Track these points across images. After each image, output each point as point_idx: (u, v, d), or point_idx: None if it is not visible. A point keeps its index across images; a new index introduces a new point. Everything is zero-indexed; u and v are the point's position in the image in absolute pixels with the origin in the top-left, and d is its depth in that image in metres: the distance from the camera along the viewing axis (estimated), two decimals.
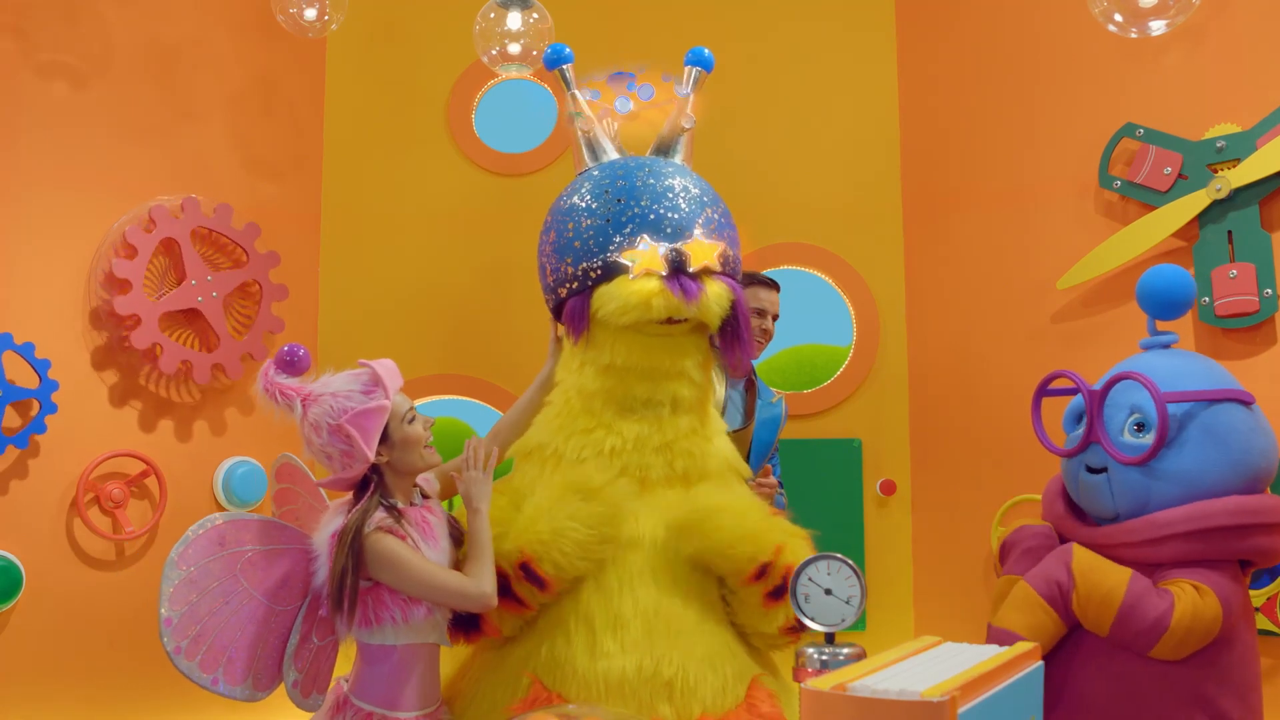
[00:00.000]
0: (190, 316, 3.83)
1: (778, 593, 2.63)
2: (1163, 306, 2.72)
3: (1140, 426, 2.60)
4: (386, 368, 2.50)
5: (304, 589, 2.49)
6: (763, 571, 2.61)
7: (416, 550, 2.41)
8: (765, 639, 2.77)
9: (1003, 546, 2.90)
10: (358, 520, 2.38)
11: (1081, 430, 2.70)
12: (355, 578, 2.35)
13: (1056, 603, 2.50)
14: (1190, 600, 2.42)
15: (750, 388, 3.53)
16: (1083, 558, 2.52)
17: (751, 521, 2.64)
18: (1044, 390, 2.85)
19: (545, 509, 2.57)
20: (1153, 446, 2.53)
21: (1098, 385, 2.67)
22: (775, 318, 3.51)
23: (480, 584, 2.40)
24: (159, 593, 2.29)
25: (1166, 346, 2.74)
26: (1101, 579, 2.47)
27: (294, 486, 2.71)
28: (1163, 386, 2.54)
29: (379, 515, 2.41)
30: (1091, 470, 2.68)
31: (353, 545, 2.35)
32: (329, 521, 2.46)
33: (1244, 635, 2.55)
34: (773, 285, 3.56)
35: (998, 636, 2.52)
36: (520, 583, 2.53)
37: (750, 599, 2.67)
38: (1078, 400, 2.78)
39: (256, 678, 2.38)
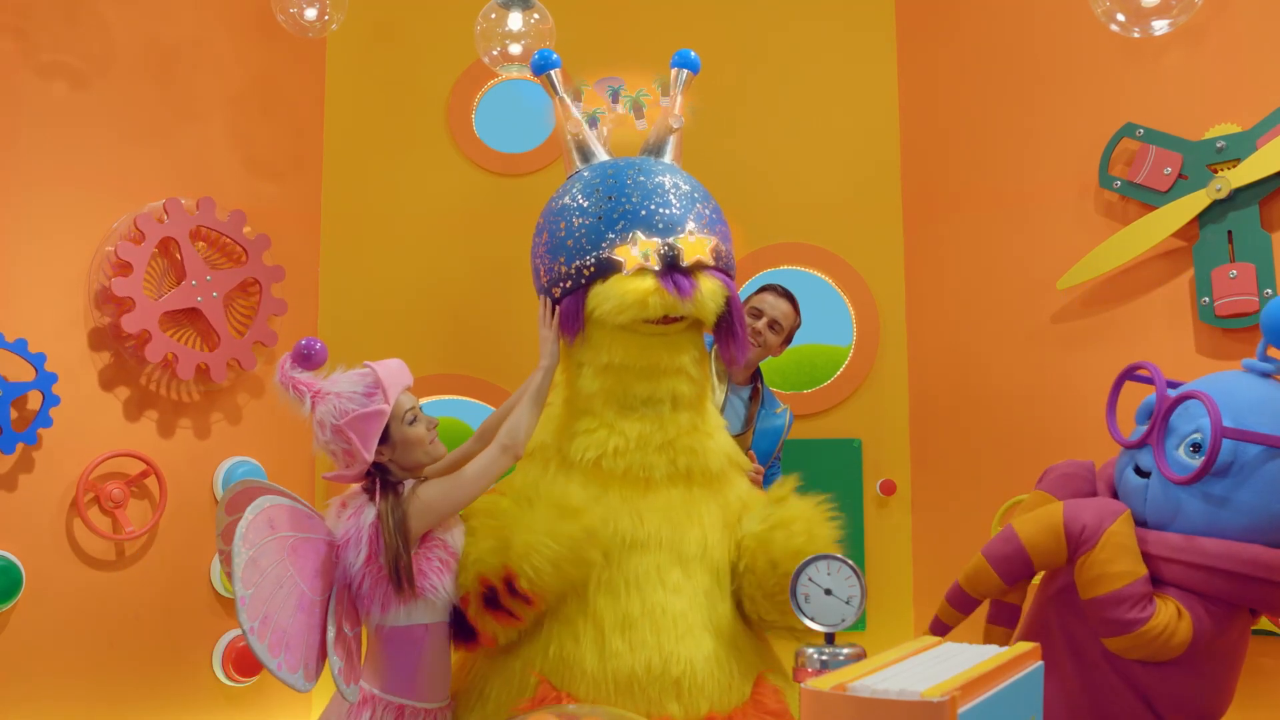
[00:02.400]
0: (191, 316, 3.82)
1: None
2: None
3: (1196, 448, 2.56)
4: (390, 369, 2.55)
5: (332, 579, 2.51)
6: None
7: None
8: (773, 628, 2.77)
9: (1044, 473, 2.94)
10: (390, 506, 2.47)
11: (1145, 428, 2.67)
12: (409, 555, 2.46)
13: (1071, 542, 2.54)
14: (1166, 619, 2.45)
15: (755, 395, 3.52)
16: (1119, 529, 2.52)
17: (818, 529, 2.69)
18: (1128, 375, 2.80)
19: (525, 523, 2.58)
20: (1195, 473, 2.49)
21: (1174, 391, 2.64)
22: (774, 323, 3.50)
23: (504, 438, 2.62)
24: (231, 574, 2.25)
25: (1265, 375, 2.64)
26: (1116, 558, 2.48)
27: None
28: (1235, 417, 2.48)
29: (411, 481, 2.55)
30: (1139, 472, 2.67)
31: (399, 528, 2.45)
32: (354, 510, 2.51)
33: (1214, 671, 2.57)
34: (781, 293, 3.55)
35: (1006, 535, 2.64)
36: (507, 597, 2.54)
37: (778, 599, 2.67)
38: (1151, 397, 2.72)
39: (306, 667, 2.37)
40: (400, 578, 2.45)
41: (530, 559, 2.50)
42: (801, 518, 2.69)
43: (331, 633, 2.44)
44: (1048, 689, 2.51)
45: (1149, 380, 2.76)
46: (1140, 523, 2.63)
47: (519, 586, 2.52)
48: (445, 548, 2.55)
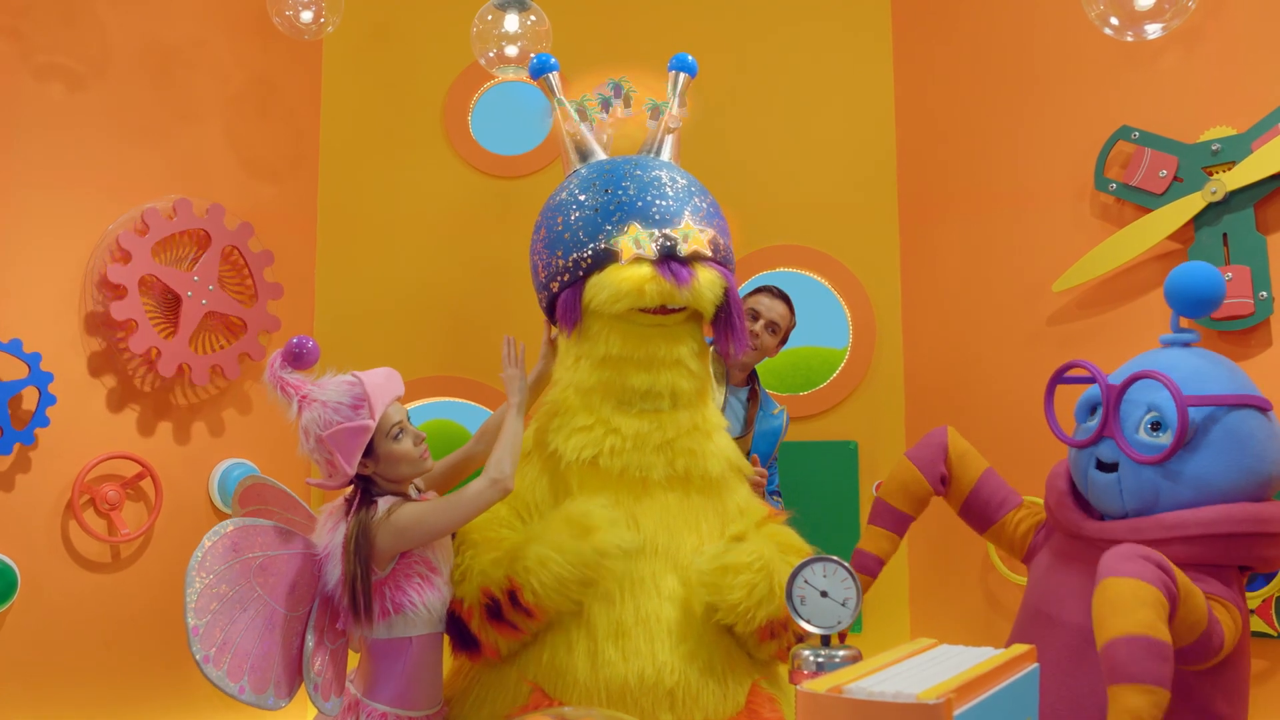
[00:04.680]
0: (211, 320, 3.85)
1: (771, 634, 2.65)
2: (1190, 304, 2.67)
3: (1156, 426, 2.57)
4: (376, 382, 2.47)
5: (312, 592, 2.49)
6: (771, 634, 2.64)
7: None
8: (756, 657, 2.78)
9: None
10: (355, 527, 2.41)
11: (1095, 423, 2.68)
12: (367, 582, 2.39)
13: (1174, 605, 2.22)
14: (1230, 627, 2.42)
15: (753, 397, 3.52)
16: (1183, 579, 2.27)
17: (765, 583, 2.60)
18: (1059, 378, 2.82)
19: (537, 535, 2.56)
20: (1170, 448, 2.50)
21: (1116, 379, 2.65)
22: (772, 324, 3.50)
23: (491, 472, 2.49)
24: (184, 603, 2.26)
25: (1187, 345, 2.71)
26: (1196, 602, 2.30)
27: (265, 506, 2.64)
28: (1184, 387, 2.51)
29: (390, 499, 2.46)
30: (1102, 467, 2.66)
31: (358, 551, 2.38)
32: (335, 523, 2.48)
33: (1242, 645, 2.56)
34: (777, 294, 3.55)
35: (1150, 648, 2.10)
36: (510, 610, 2.53)
37: (748, 639, 2.68)
38: (1091, 391, 2.75)
39: (277, 684, 2.37)
40: (357, 604, 2.39)
41: (537, 573, 2.48)
42: (749, 568, 2.60)
43: (310, 644, 2.42)
44: (1055, 687, 2.51)
45: (1084, 380, 2.79)
46: (1121, 515, 2.63)
47: (522, 599, 2.50)
48: (426, 563, 2.50)
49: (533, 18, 3.67)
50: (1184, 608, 2.26)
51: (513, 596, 2.51)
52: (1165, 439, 2.54)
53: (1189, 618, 2.29)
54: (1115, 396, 2.62)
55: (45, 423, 3.43)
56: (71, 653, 3.52)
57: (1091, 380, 2.72)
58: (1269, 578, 3.21)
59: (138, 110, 3.82)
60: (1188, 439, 2.53)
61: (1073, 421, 2.85)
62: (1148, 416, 2.59)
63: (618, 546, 2.55)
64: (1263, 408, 2.60)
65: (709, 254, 2.73)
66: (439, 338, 4.30)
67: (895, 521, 2.94)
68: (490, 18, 3.66)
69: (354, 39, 4.31)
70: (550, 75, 3.05)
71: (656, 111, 3.04)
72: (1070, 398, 2.88)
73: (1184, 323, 2.75)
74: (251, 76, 4.16)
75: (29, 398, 3.43)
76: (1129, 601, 2.14)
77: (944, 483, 2.96)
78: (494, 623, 2.55)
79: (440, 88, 4.40)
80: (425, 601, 2.45)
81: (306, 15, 3.63)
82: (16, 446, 3.40)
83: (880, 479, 4.13)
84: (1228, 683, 2.52)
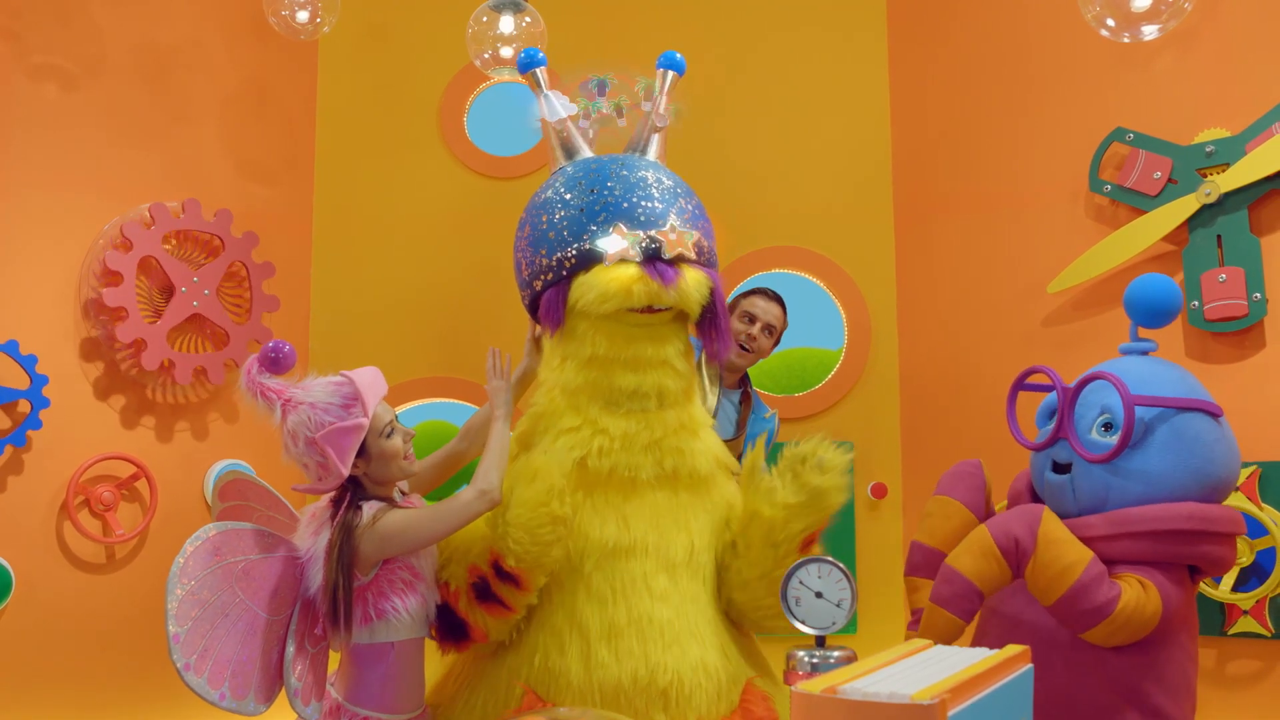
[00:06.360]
0: (195, 323, 3.84)
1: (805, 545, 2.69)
2: (1147, 315, 2.76)
3: (1108, 426, 2.65)
4: (367, 381, 2.45)
5: (294, 596, 2.47)
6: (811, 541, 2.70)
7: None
8: (762, 611, 2.74)
9: (939, 481, 3.00)
10: (340, 534, 2.38)
11: (1052, 426, 2.74)
12: (349, 590, 2.37)
13: (1010, 558, 2.52)
14: (1135, 593, 2.47)
15: (746, 400, 3.52)
16: (1050, 527, 2.52)
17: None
18: (1020, 385, 2.89)
19: (503, 504, 2.56)
20: (1117, 445, 2.56)
21: (1072, 384, 2.71)
22: (769, 327, 3.50)
23: (479, 483, 2.46)
24: (164, 610, 2.24)
25: (1144, 354, 2.79)
26: (1062, 553, 2.48)
27: (246, 503, 2.62)
28: (1134, 389, 2.58)
29: (375, 505, 2.43)
30: (1057, 468, 2.72)
31: (341, 558, 2.36)
32: (317, 526, 2.46)
33: (1182, 639, 2.60)
34: (771, 296, 3.55)
35: (946, 575, 2.56)
36: (497, 583, 2.53)
37: (764, 602, 2.68)
38: (1051, 398, 2.83)
39: (258, 690, 2.35)
40: (337, 613, 2.36)
41: (510, 533, 2.47)
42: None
43: (291, 649, 2.41)
44: None
45: (1044, 387, 2.85)
46: (1074, 516, 2.66)
47: (506, 566, 2.49)
48: (410, 569, 2.48)
49: (528, 19, 3.68)
50: (1041, 558, 2.48)
51: (497, 568, 2.51)
52: (1114, 438, 2.61)
53: (1050, 568, 2.47)
54: (1070, 399, 2.69)
55: (40, 424, 3.42)
56: (66, 653, 3.51)
57: (1052, 387, 2.77)
58: (1262, 578, 3.22)
59: (133, 111, 3.82)
60: (1136, 438, 2.59)
61: (1035, 429, 2.91)
62: (1100, 418, 2.67)
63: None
64: (1213, 413, 2.65)
65: (693, 257, 2.72)
66: (434, 338, 4.30)
67: None
68: (486, 19, 3.66)
69: (350, 40, 4.31)
70: (538, 70, 3.05)
71: (620, 110, 3.02)
72: (1033, 403, 2.94)
73: (1143, 333, 2.83)
74: (247, 77, 4.15)
75: (24, 399, 3.42)
76: (966, 542, 2.58)
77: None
78: (483, 603, 2.54)
79: (436, 89, 4.40)
80: (408, 607, 2.44)
81: (302, 15, 3.63)
82: (10, 448, 3.40)
83: (876, 480, 4.14)
84: (1165, 676, 2.55)
